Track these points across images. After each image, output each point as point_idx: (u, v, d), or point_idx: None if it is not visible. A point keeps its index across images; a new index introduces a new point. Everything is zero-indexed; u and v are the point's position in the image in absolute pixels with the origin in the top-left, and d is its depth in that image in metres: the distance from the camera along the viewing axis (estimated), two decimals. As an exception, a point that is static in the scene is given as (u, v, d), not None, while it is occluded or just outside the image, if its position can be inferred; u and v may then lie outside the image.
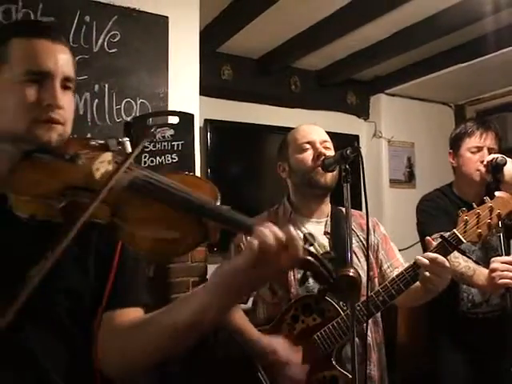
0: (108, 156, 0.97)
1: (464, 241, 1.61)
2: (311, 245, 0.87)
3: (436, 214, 2.26)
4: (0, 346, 0.93)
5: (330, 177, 1.85)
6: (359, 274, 0.95)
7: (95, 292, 1.06)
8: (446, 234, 1.63)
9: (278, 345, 1.73)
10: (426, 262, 1.59)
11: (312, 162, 1.86)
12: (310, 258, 0.87)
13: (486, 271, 1.95)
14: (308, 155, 1.89)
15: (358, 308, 1.68)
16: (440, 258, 1.58)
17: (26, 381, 0.99)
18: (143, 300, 1.11)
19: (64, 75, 1.05)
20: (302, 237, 0.87)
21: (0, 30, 1.26)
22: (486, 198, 1.68)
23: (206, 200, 0.90)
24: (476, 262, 1.99)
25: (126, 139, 0.99)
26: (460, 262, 2.06)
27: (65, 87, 1.06)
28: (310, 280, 0.87)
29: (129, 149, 0.99)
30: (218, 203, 0.93)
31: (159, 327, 0.98)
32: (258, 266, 0.84)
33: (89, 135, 2.35)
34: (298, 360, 1.72)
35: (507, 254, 1.96)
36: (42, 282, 0.79)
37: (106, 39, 2.54)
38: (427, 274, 1.59)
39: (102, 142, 1.03)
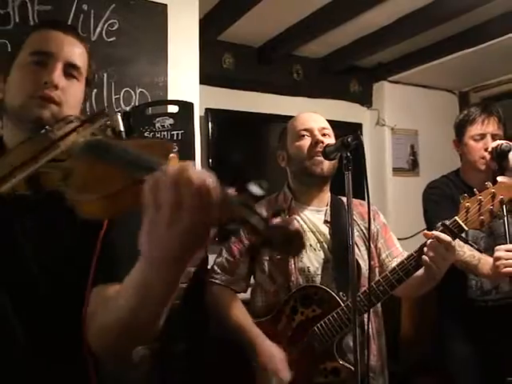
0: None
1: (466, 228, 1.59)
2: (248, 193, 0.70)
3: (441, 201, 2.24)
4: None
5: (327, 166, 1.83)
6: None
7: (81, 266, 1.02)
8: (448, 222, 1.60)
9: (272, 355, 1.71)
10: (435, 241, 1.57)
11: (309, 150, 1.85)
12: (240, 206, 0.69)
13: (491, 260, 1.93)
14: (305, 142, 1.87)
15: (359, 299, 1.66)
16: (447, 237, 1.56)
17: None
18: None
19: (68, 61, 1.10)
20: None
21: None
22: (488, 184, 1.64)
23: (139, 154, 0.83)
24: (479, 251, 1.96)
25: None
26: (465, 251, 2.04)
27: (69, 74, 1.11)
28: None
29: (120, 123, 1.03)
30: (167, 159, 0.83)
31: (119, 306, 0.89)
32: (165, 215, 0.69)
33: (88, 125, 2.33)
34: (287, 375, 1.69)
35: None
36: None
37: (105, 28, 2.51)
38: (431, 253, 1.56)
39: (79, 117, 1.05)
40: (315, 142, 1.85)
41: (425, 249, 1.60)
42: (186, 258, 0.74)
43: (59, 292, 1.02)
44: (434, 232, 1.58)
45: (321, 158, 1.79)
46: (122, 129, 1.09)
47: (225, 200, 0.69)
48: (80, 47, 1.15)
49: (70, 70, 1.11)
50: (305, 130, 1.90)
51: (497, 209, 1.61)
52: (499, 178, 1.68)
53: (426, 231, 1.66)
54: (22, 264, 1.00)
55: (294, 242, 0.69)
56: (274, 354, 1.71)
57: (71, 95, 1.11)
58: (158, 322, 0.88)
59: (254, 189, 0.70)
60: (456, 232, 1.59)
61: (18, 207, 0.98)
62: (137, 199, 0.74)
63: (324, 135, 1.89)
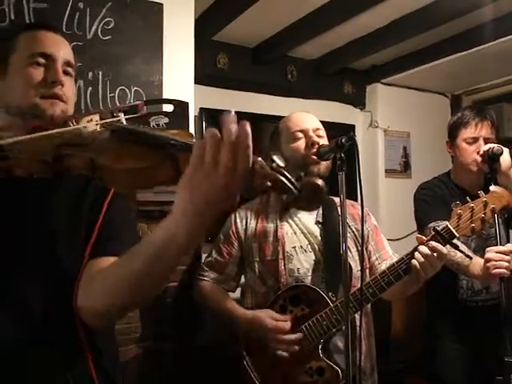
0: (95, 117, 1.07)
1: (457, 235, 1.61)
2: (273, 162, 0.86)
3: (432, 202, 2.26)
4: None
5: (323, 167, 1.84)
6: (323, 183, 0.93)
7: (82, 241, 1.16)
8: (440, 228, 1.62)
9: (264, 314, 1.73)
10: (427, 251, 1.58)
11: (305, 151, 1.85)
12: (271, 171, 0.85)
13: (481, 261, 1.95)
14: (301, 144, 1.87)
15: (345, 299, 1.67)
16: (443, 248, 1.57)
17: (17, 328, 1.06)
18: (122, 251, 1.14)
19: (65, 59, 1.19)
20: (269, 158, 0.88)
21: (12, 29, 1.53)
22: (481, 193, 1.67)
23: (172, 135, 0.97)
24: (468, 257, 1.97)
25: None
26: (456, 252, 2.06)
27: (66, 72, 1.20)
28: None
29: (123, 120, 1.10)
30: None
31: (130, 264, 0.99)
32: (207, 167, 0.81)
33: (82, 123, 2.32)
34: (287, 326, 1.71)
35: (505, 243, 1.96)
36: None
37: (100, 26, 2.51)
38: (422, 259, 1.58)
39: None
40: (311, 144, 1.85)
41: (416, 253, 1.62)
42: (212, 212, 0.84)
43: (56, 264, 1.13)
44: (431, 242, 1.59)
45: (316, 160, 1.80)
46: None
47: (261, 165, 0.84)
48: (69, 45, 1.24)
49: (66, 68, 1.20)
50: (299, 131, 1.89)
51: (488, 217, 1.63)
52: (491, 188, 1.70)
53: (419, 235, 1.67)
54: (25, 239, 1.09)
55: (319, 194, 0.88)
56: (263, 312, 1.74)
57: (71, 91, 1.21)
58: (168, 278, 1.01)
59: (279, 159, 0.86)
60: (447, 238, 1.61)
61: (34, 187, 1.09)
62: (164, 175, 0.92)
63: (318, 136, 1.89)
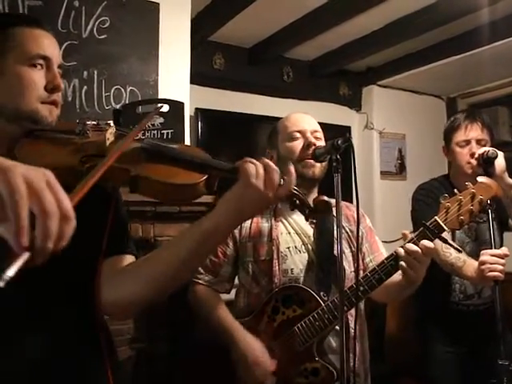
0: (113, 129, 1.18)
1: (445, 228, 1.58)
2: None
3: (430, 202, 2.25)
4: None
5: (318, 169, 1.83)
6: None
7: (92, 245, 1.16)
8: (428, 222, 1.60)
9: (253, 348, 1.71)
10: (413, 248, 1.55)
11: (301, 152, 1.84)
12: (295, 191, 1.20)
13: (476, 263, 1.94)
14: (297, 144, 1.86)
15: (339, 299, 1.65)
16: (415, 249, 1.54)
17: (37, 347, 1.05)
18: (135, 251, 1.26)
19: (59, 62, 1.18)
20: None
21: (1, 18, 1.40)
22: (468, 184, 1.64)
23: (205, 157, 1.19)
24: (458, 250, 1.95)
25: (111, 121, 1.19)
26: (451, 252, 2.06)
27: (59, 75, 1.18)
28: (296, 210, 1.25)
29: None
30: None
31: (165, 258, 1.12)
32: (253, 187, 1.05)
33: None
34: (269, 366, 1.70)
35: (499, 247, 1.96)
36: None
37: (96, 25, 2.50)
38: (403, 254, 1.56)
39: (94, 122, 1.20)
40: (307, 145, 1.84)
41: (399, 249, 1.58)
42: (249, 216, 1.15)
43: (72, 266, 1.11)
44: (406, 245, 1.56)
45: (312, 161, 1.79)
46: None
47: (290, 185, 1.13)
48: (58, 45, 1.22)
49: (59, 70, 1.18)
50: (297, 131, 1.88)
51: (476, 209, 1.60)
52: (479, 178, 1.67)
53: (404, 231, 1.64)
54: None
55: (327, 208, 1.33)
56: (254, 346, 1.71)
57: (61, 95, 1.20)
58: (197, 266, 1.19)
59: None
60: (436, 232, 1.58)
61: None
62: (202, 188, 1.12)
63: (316, 138, 1.88)
